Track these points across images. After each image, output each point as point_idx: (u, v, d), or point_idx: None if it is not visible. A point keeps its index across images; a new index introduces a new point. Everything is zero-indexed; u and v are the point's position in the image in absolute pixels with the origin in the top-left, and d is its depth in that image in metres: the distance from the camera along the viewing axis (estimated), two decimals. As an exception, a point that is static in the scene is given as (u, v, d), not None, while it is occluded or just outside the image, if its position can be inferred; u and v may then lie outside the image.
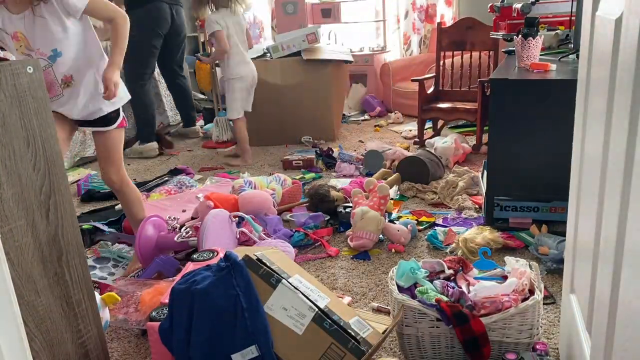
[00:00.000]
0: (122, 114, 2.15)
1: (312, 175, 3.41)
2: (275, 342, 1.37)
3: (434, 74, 4.07)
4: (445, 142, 3.41)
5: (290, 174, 3.48)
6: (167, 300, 1.54)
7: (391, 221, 2.50)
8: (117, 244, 2.46)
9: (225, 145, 4.29)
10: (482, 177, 2.85)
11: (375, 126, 4.68)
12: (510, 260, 1.68)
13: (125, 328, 1.88)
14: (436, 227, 2.47)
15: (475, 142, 3.70)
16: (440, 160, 3.17)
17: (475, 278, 1.68)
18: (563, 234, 1.79)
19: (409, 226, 2.41)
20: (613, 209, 0.94)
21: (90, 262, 2.27)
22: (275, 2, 5.40)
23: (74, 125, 2.12)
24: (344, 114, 4.89)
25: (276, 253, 1.55)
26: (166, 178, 3.43)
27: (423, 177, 3.00)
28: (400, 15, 5.45)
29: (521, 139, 2.29)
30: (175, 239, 2.23)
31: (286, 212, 2.74)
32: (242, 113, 3.79)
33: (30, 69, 1.18)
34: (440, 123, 4.13)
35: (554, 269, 2.02)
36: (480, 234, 2.24)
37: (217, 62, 4.47)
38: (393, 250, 2.32)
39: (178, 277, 1.69)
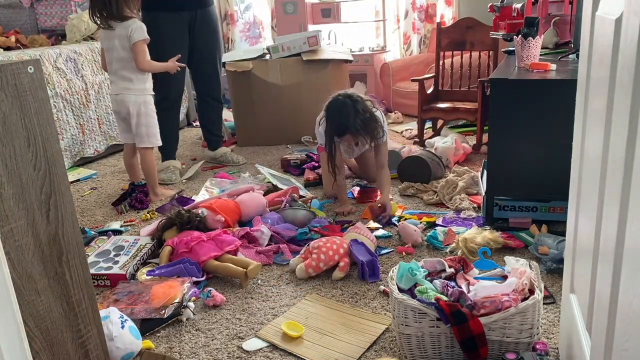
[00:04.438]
0: None
1: None
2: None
3: (434, 74, 4.07)
4: (446, 142, 3.41)
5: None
6: None
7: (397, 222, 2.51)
8: (112, 236, 2.53)
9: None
10: (481, 177, 2.86)
11: (375, 126, 4.66)
12: (510, 260, 1.68)
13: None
14: (436, 227, 2.46)
15: (475, 142, 3.70)
16: (441, 160, 3.17)
17: (475, 278, 1.68)
18: (563, 234, 1.79)
19: (419, 226, 2.43)
20: (613, 209, 0.94)
21: (92, 258, 2.29)
22: (275, 2, 5.40)
23: None
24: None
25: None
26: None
27: (424, 177, 3.00)
28: (400, 15, 5.44)
29: (521, 139, 2.29)
30: None
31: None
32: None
33: (31, 68, 1.18)
34: (440, 123, 4.13)
35: (554, 268, 2.02)
36: (480, 234, 2.23)
37: None
38: (404, 253, 2.28)
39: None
